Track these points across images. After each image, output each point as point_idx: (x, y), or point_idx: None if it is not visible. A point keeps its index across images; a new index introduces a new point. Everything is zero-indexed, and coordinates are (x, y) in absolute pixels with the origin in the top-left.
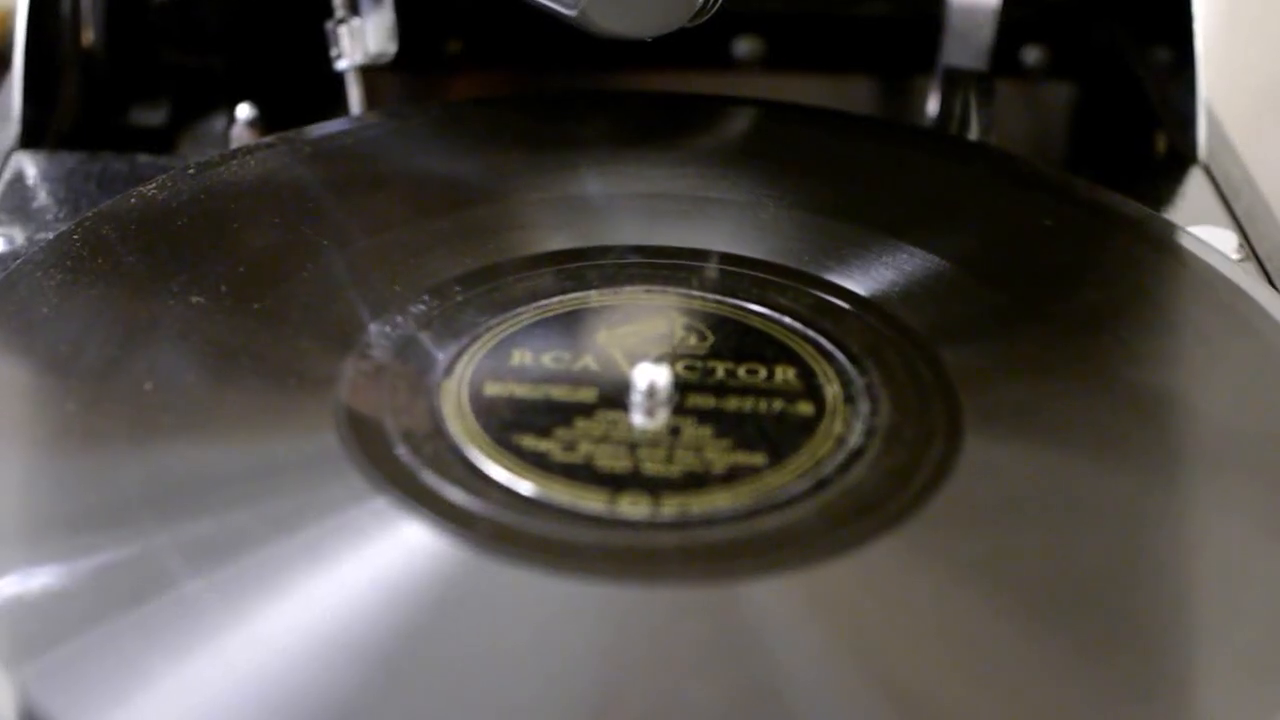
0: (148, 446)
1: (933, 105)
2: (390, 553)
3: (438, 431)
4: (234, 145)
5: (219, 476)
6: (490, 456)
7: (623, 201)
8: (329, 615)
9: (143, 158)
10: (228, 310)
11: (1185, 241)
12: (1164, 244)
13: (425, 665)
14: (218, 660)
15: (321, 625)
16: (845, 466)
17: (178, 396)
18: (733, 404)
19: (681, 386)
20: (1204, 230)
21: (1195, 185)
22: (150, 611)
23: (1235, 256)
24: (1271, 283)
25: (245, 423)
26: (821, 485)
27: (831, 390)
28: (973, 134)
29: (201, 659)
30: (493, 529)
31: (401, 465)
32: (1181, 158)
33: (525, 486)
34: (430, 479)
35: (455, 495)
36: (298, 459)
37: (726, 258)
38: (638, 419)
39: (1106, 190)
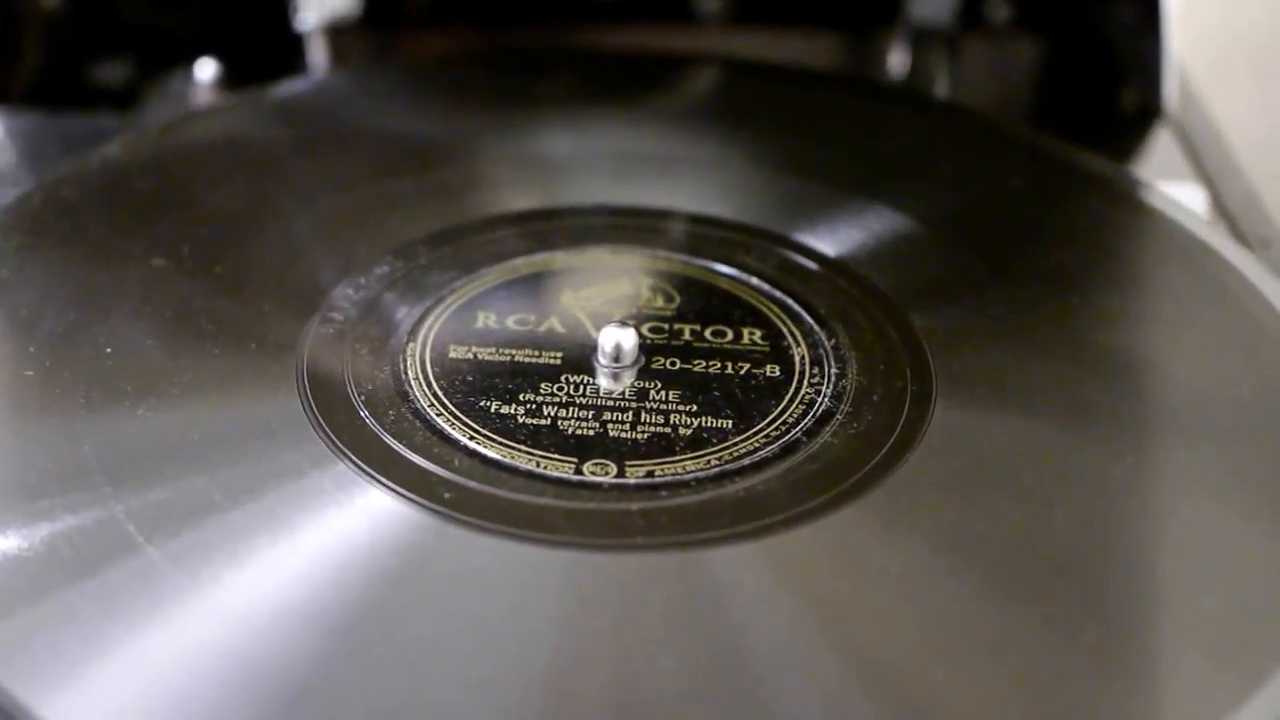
0: (107, 413)
1: (898, 61)
2: (353, 519)
3: (402, 395)
4: (196, 104)
5: (179, 443)
6: (455, 421)
7: (587, 160)
8: (290, 583)
9: (105, 116)
10: (189, 273)
11: (1154, 199)
12: (1133, 202)
13: (389, 634)
14: (176, 630)
15: (282, 594)
16: (813, 431)
17: (138, 362)
18: (699, 367)
19: (648, 349)
20: (1174, 187)
21: (1163, 141)
22: (107, 580)
23: (1205, 214)
24: (1241, 239)
25: (206, 388)
26: (789, 450)
27: (799, 352)
28: (940, 91)
29: (160, 629)
30: (457, 495)
31: (365, 430)
32: (1149, 113)
33: (490, 452)
34: (394, 444)
35: (419, 461)
36: (259, 424)
37: (693, 218)
38: (603, 382)
39: (1075, 147)
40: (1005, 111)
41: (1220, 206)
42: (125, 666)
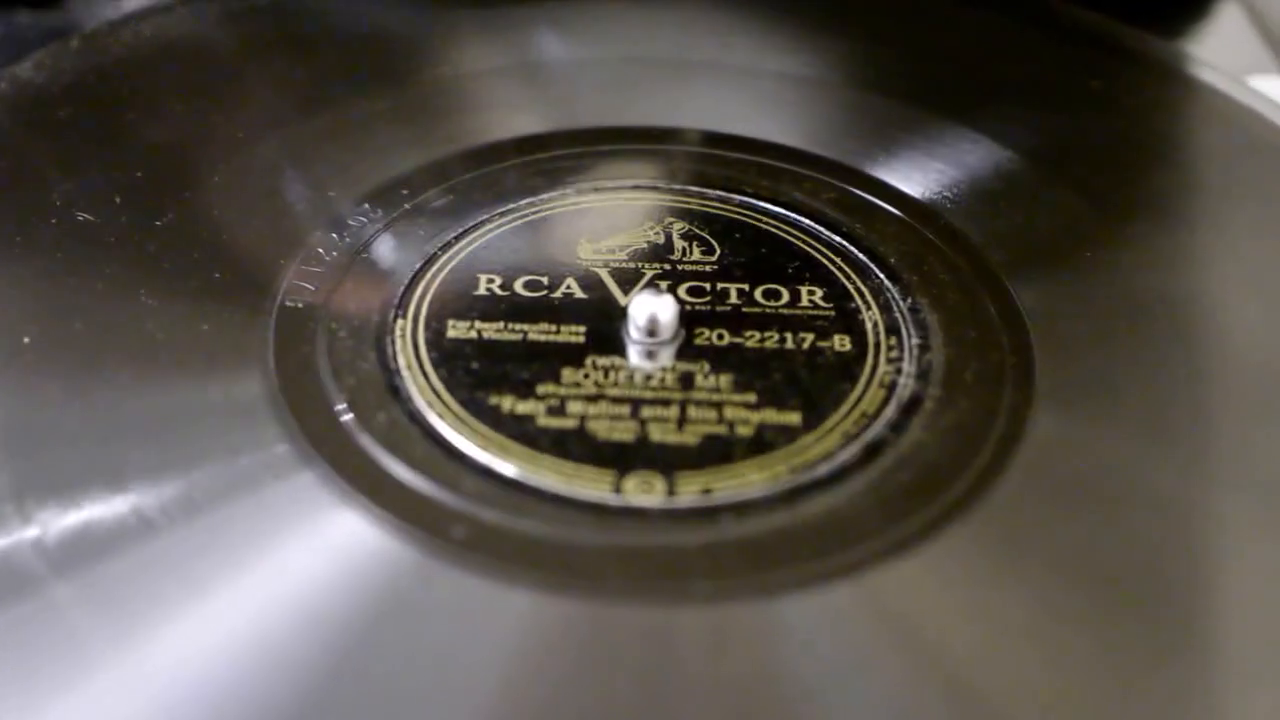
0: (25, 416)
1: None
2: (325, 548)
3: (391, 390)
4: (127, 6)
5: (111, 448)
6: (459, 424)
7: (594, 69)
8: (239, 634)
9: (22, 15)
10: (124, 230)
11: (1253, 102)
12: (1232, 110)
13: (367, 710)
14: (90, 694)
15: (229, 648)
16: (899, 424)
17: (62, 350)
18: (753, 340)
19: (688, 318)
20: (1263, 82)
21: (1230, 17)
22: (5, 628)
23: None
24: None
25: (145, 379)
26: (873, 452)
27: (870, 317)
28: None
29: (69, 693)
30: (463, 525)
31: (343, 434)
32: None
33: (506, 466)
34: (381, 455)
35: (414, 479)
36: (211, 424)
37: (727, 140)
38: (638, 364)
39: (1154, 39)
40: None
41: None
42: None
